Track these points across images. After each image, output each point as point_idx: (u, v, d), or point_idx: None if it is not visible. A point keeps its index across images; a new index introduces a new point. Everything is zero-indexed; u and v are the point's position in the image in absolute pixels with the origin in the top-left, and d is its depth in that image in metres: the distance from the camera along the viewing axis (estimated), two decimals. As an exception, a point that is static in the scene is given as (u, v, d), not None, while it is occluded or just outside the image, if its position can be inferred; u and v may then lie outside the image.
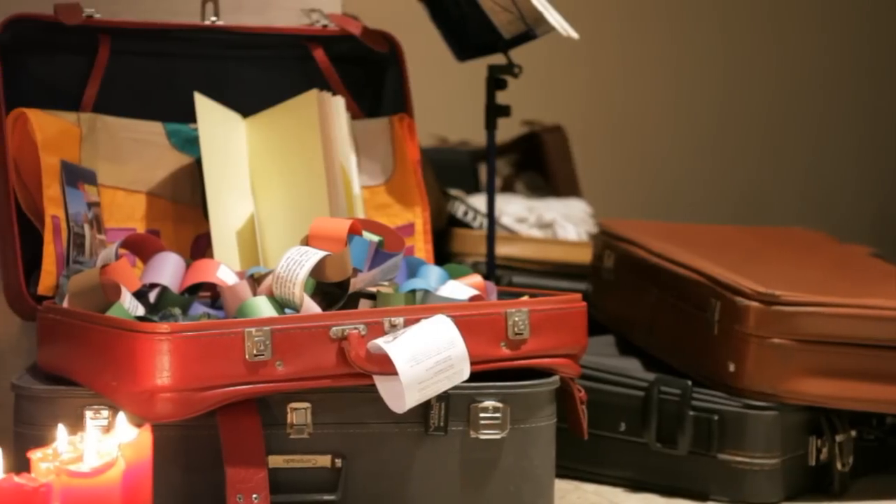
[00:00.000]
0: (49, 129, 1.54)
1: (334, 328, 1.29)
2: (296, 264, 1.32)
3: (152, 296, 1.49)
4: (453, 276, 1.53)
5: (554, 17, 1.75)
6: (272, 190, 1.65)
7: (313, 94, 1.65)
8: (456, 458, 1.36)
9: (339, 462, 1.33)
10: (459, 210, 2.20)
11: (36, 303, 1.48)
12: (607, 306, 1.86)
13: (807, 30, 3.17)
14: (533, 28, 1.78)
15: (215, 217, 1.60)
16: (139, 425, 1.04)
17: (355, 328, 1.30)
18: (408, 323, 1.32)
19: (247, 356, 1.25)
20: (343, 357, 1.29)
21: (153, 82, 1.68)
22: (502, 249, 2.17)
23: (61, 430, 1.04)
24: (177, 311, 1.46)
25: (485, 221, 2.23)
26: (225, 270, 1.50)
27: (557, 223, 2.38)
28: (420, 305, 1.36)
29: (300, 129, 1.65)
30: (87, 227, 1.55)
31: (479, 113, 2.30)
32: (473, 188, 2.47)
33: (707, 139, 3.19)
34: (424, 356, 1.26)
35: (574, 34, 1.76)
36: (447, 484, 1.35)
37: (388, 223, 1.63)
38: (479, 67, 2.01)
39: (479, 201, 2.26)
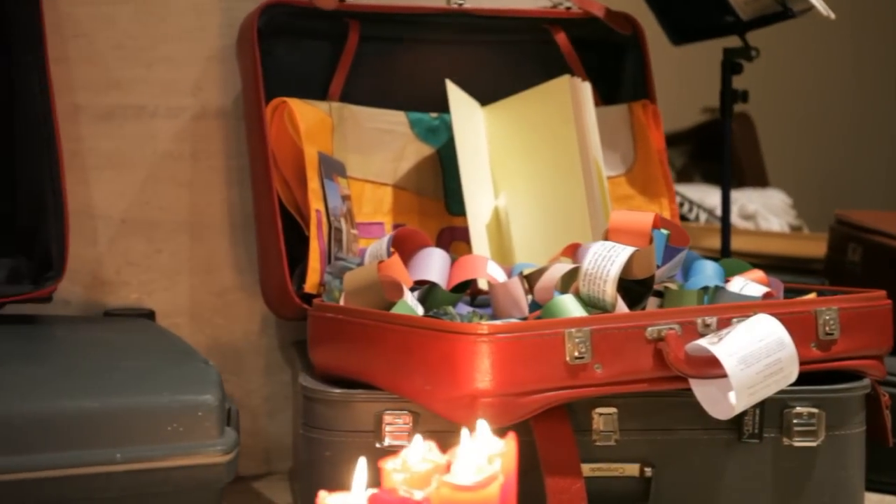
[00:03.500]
0: (308, 119, 1.47)
1: (650, 328, 1.21)
2: (605, 260, 1.24)
3: (417, 293, 1.42)
4: (731, 271, 1.44)
5: (814, -5, 1.65)
6: (517, 181, 1.57)
7: (565, 80, 1.57)
8: (768, 467, 1.27)
9: (648, 471, 1.25)
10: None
11: (301, 302, 1.41)
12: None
13: None
14: (790, 7, 1.69)
15: (472, 211, 1.53)
16: (502, 434, 0.97)
17: (671, 328, 1.21)
18: (720, 323, 1.24)
19: (567, 359, 1.17)
20: (660, 359, 1.20)
21: (396, 69, 1.61)
22: (716, 242, 2.08)
23: (418, 439, 0.97)
24: (451, 309, 1.38)
25: (701, 213, 2.14)
26: (494, 267, 1.42)
27: (760, 214, 2.30)
28: (729, 304, 1.28)
29: (551, 117, 1.56)
30: (343, 222, 1.49)
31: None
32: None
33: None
34: (754, 359, 1.18)
35: (832, 14, 1.66)
36: (759, 494, 1.27)
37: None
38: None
39: (691, 192, 2.18)
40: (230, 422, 1.15)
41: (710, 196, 2.27)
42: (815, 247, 2.13)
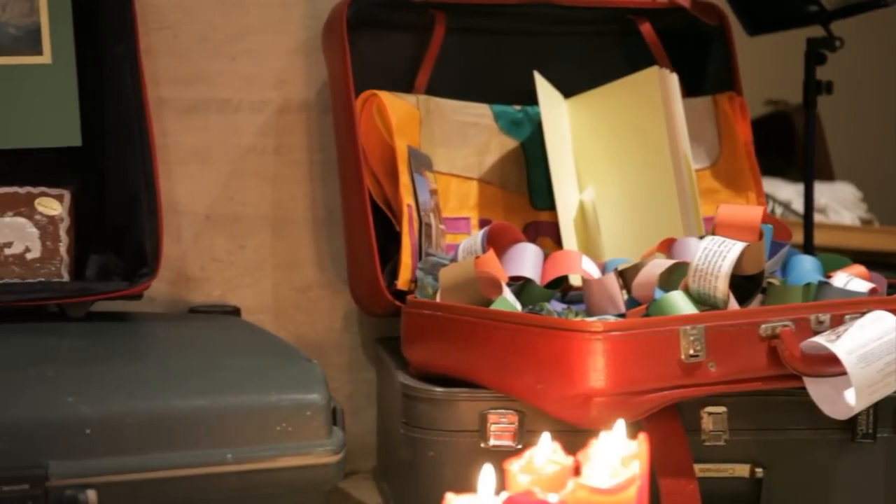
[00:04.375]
0: (398, 112, 1.45)
1: (763, 326, 1.18)
2: (717, 256, 1.21)
3: (511, 289, 1.39)
4: (829, 266, 1.41)
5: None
6: (603, 174, 1.54)
7: (654, 71, 1.54)
8: (881, 468, 1.24)
9: (759, 472, 1.22)
10: (749, 195, 2.09)
11: (394, 299, 1.39)
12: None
13: None
14: (886, -7, 1.65)
15: (561, 205, 1.50)
16: (634, 435, 0.94)
17: (786, 325, 1.18)
18: (834, 320, 1.20)
19: (682, 356, 1.14)
20: (774, 357, 1.17)
21: (479, 61, 1.58)
22: (795, 236, 2.03)
23: (545, 439, 0.94)
24: (548, 306, 1.35)
25: (777, 207, 2.11)
26: (588, 262, 1.39)
27: (831, 208, 2.26)
28: (842, 300, 1.24)
29: (640, 109, 1.53)
30: (431, 217, 1.46)
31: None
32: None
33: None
34: (874, 357, 1.15)
35: None
36: (873, 495, 1.24)
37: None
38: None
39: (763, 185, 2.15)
40: (336, 421, 1.13)
41: (781, 189, 2.24)
42: (892, 240, 2.09)
